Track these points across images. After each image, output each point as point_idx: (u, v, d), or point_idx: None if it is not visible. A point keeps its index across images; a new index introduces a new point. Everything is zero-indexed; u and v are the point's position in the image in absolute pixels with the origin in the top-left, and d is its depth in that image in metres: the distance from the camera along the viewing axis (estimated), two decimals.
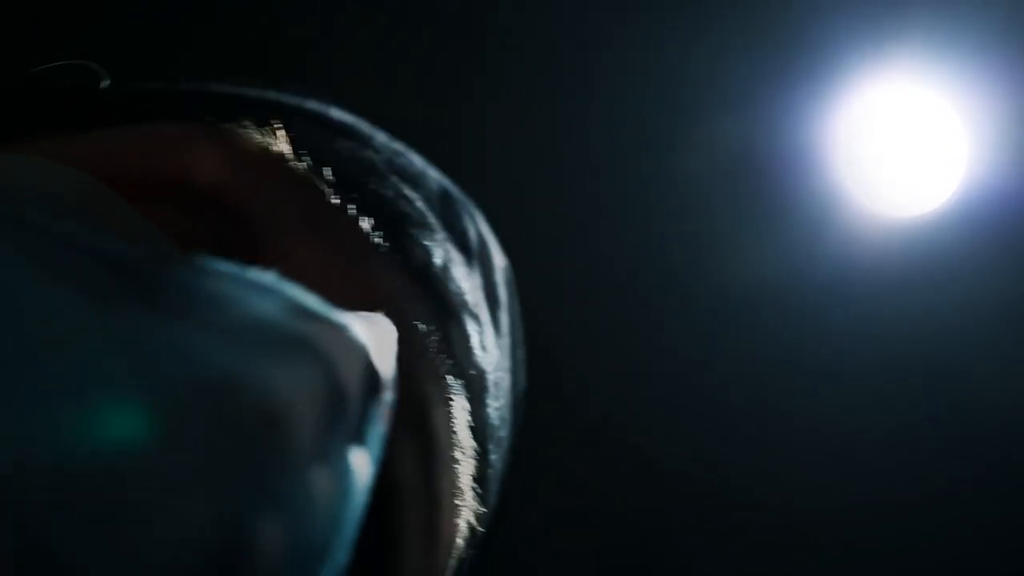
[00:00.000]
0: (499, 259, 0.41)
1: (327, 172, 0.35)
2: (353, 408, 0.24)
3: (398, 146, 0.39)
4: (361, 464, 0.24)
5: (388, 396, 0.25)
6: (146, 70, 0.44)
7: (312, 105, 0.39)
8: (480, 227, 0.40)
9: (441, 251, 0.36)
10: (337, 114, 0.39)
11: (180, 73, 0.42)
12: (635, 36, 1.47)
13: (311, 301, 0.24)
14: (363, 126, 0.39)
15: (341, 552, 0.23)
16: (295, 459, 0.22)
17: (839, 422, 1.64)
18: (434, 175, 0.39)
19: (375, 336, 0.25)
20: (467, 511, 0.35)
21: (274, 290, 0.24)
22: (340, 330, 0.24)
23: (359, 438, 0.24)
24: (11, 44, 1.38)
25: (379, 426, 0.25)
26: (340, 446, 0.23)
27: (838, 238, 1.54)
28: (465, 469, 0.35)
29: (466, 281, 0.37)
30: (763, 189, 1.52)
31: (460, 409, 0.34)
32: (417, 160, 0.39)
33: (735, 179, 1.51)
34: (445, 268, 0.36)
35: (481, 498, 0.36)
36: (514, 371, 0.40)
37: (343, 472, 0.23)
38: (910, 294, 1.57)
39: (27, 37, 1.41)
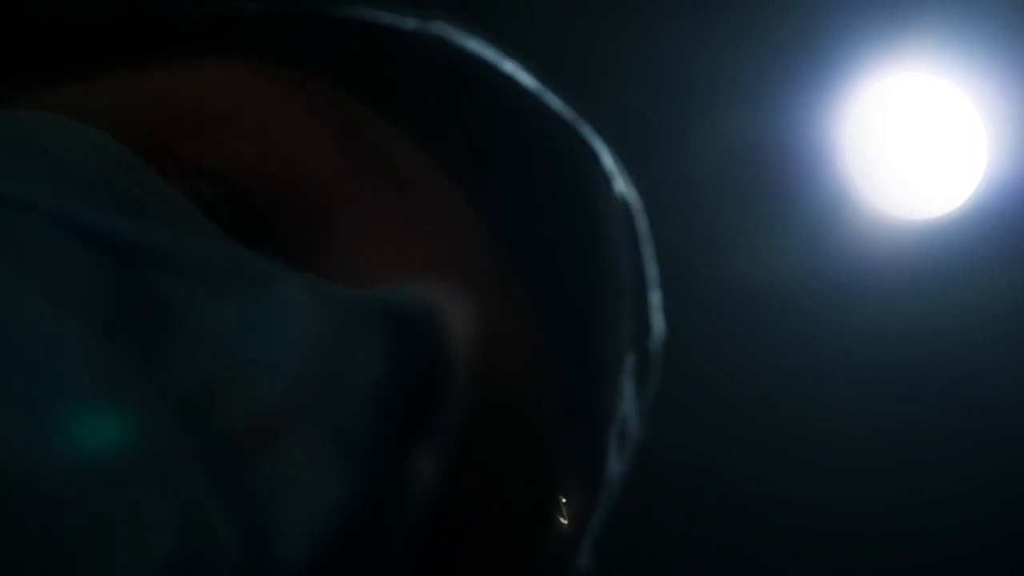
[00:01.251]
0: (621, 196, 0.37)
1: (415, 112, 0.32)
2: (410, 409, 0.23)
3: (510, 72, 0.36)
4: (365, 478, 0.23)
5: (412, 392, 0.24)
6: None
7: (408, 24, 0.35)
8: (600, 166, 0.36)
9: (548, 211, 0.33)
10: (441, 33, 0.35)
11: None
12: (642, 32, 1.45)
13: (326, 291, 0.23)
14: (470, 47, 0.36)
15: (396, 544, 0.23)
16: (280, 476, 0.22)
17: (849, 426, 1.63)
18: (548, 106, 0.36)
19: (422, 317, 0.24)
20: (562, 503, 0.32)
21: (301, 292, 0.23)
22: (355, 325, 0.23)
23: (367, 445, 0.23)
24: None
25: (398, 429, 0.23)
26: (331, 459, 0.22)
27: (850, 241, 1.52)
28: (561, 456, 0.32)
29: (574, 239, 0.34)
30: (773, 189, 1.50)
31: (562, 399, 0.32)
32: (530, 86, 0.36)
33: (745, 179, 1.50)
34: (550, 230, 0.33)
35: (584, 484, 0.34)
36: (643, 324, 0.37)
37: (325, 492, 0.22)
38: (924, 300, 1.54)
39: None
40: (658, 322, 0.38)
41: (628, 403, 0.36)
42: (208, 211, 0.28)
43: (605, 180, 0.36)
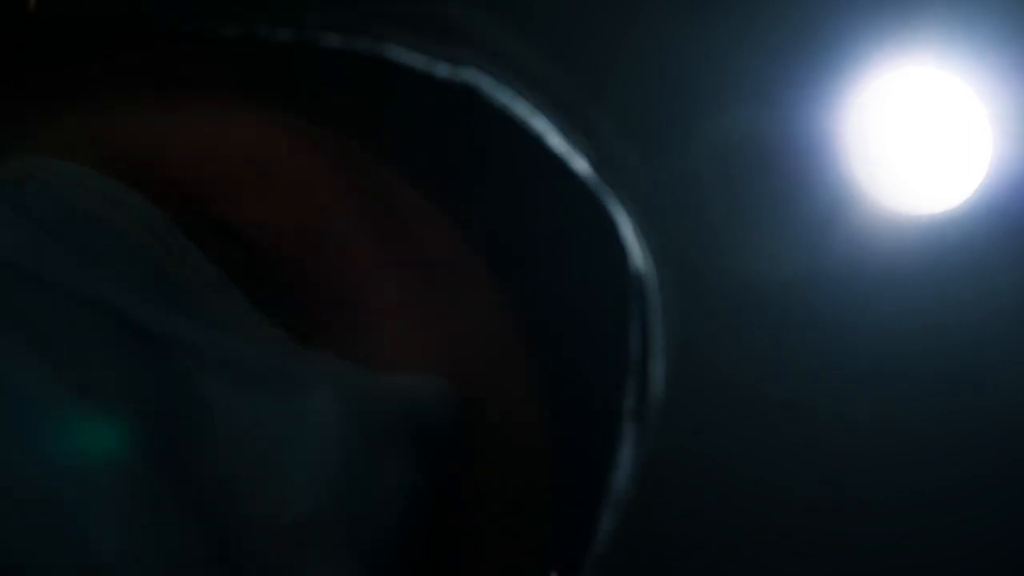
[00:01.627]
0: (640, 268, 0.38)
1: (438, 171, 0.31)
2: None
3: (537, 126, 0.35)
4: None
5: (428, 498, 0.25)
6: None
7: (441, 71, 0.34)
8: (619, 234, 0.37)
9: (568, 286, 0.33)
10: (469, 81, 0.34)
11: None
12: (644, 29, 1.46)
13: (346, 388, 0.24)
14: (497, 99, 0.34)
15: None
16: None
17: (853, 423, 1.64)
18: (571, 168, 0.35)
19: (436, 417, 0.25)
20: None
21: (304, 371, 0.24)
22: (377, 429, 0.24)
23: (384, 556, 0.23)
24: None
25: (415, 535, 0.24)
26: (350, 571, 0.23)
27: (854, 237, 1.53)
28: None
29: (595, 315, 0.34)
30: (777, 185, 1.51)
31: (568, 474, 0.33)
32: (556, 146, 0.35)
33: (749, 175, 1.51)
34: (551, 309, 0.33)
35: (571, 570, 0.35)
36: (647, 391, 0.37)
37: None
38: (928, 296, 1.55)
39: None
40: (658, 389, 0.38)
41: (624, 474, 0.37)
42: (233, 273, 0.27)
43: (623, 255, 0.37)
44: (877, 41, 1.43)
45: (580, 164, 0.36)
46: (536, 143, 0.35)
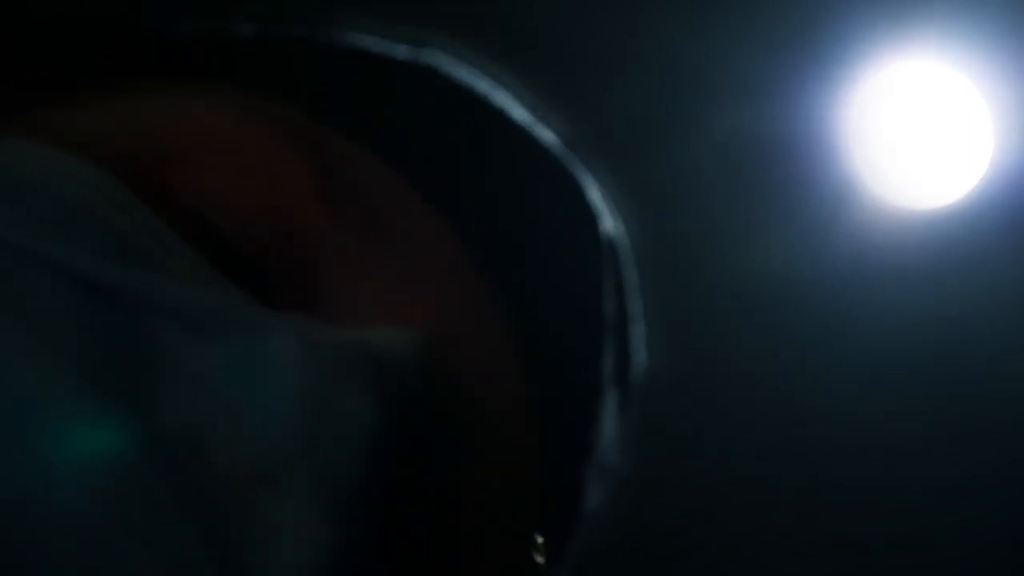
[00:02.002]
0: (610, 229, 0.38)
1: (407, 145, 0.32)
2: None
3: (500, 99, 0.36)
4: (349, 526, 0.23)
5: (391, 442, 0.24)
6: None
7: (399, 52, 0.35)
8: (586, 197, 0.37)
9: (535, 246, 0.34)
10: (431, 61, 0.35)
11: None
12: (646, 26, 1.46)
13: (310, 341, 0.24)
14: (461, 76, 0.35)
15: None
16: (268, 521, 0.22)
17: (852, 417, 1.64)
18: (537, 137, 0.36)
19: (401, 369, 0.25)
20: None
21: (269, 326, 0.24)
22: (339, 378, 0.24)
23: (349, 495, 0.23)
24: None
25: (380, 477, 0.24)
26: (316, 510, 0.23)
27: (855, 231, 1.52)
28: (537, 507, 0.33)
29: (564, 274, 0.35)
30: (778, 181, 1.50)
31: (544, 433, 0.33)
32: (520, 117, 0.36)
33: (747, 169, 1.50)
34: (523, 272, 0.33)
35: (556, 535, 0.34)
36: (625, 353, 0.38)
37: (312, 542, 0.22)
38: (929, 291, 1.55)
39: None
40: (640, 355, 0.39)
41: (608, 437, 0.36)
42: (197, 247, 0.27)
43: (593, 217, 0.37)
44: (878, 36, 1.42)
45: (545, 134, 0.36)
46: (499, 116, 0.35)
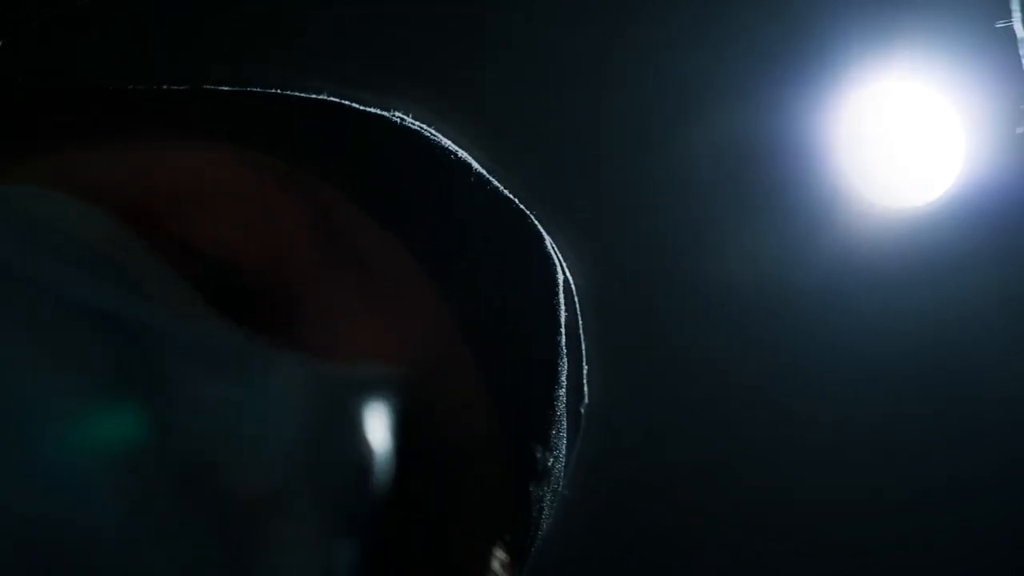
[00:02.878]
0: (561, 276, 0.39)
1: (380, 194, 0.33)
2: (340, 487, 0.24)
3: (461, 157, 0.37)
4: (346, 546, 0.24)
5: (382, 468, 0.25)
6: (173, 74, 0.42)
7: (370, 111, 0.37)
8: (542, 244, 0.39)
9: (495, 284, 0.35)
10: (398, 120, 0.37)
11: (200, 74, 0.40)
12: (636, 33, 1.48)
13: (304, 374, 0.24)
14: (425, 134, 0.37)
15: None
16: (269, 543, 0.22)
17: (838, 409, 1.65)
18: (496, 190, 0.38)
19: (385, 398, 0.25)
20: (501, 555, 0.34)
21: (268, 360, 0.24)
22: (332, 408, 0.24)
23: (346, 516, 0.24)
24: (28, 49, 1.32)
25: (372, 501, 0.25)
26: (317, 529, 0.23)
27: (840, 227, 1.56)
28: (503, 518, 0.34)
29: (521, 310, 0.36)
30: (766, 181, 1.53)
31: (508, 454, 0.34)
32: (479, 172, 0.37)
33: (736, 176, 1.52)
34: (498, 303, 0.35)
35: (527, 531, 0.36)
36: (576, 389, 0.40)
37: (315, 559, 0.23)
38: (909, 279, 1.59)
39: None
40: (585, 392, 0.40)
41: (560, 464, 0.37)
42: (195, 286, 0.28)
43: (551, 265, 0.38)
44: (864, 53, 1.48)
45: (503, 185, 0.38)
46: (465, 167, 0.37)
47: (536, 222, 0.38)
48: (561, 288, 0.38)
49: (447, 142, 0.37)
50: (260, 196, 0.31)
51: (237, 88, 0.37)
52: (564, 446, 0.38)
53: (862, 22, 1.47)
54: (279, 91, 0.37)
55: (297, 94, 0.37)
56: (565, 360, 0.38)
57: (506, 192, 0.38)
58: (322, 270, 0.31)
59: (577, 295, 0.41)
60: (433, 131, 0.37)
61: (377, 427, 0.25)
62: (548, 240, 0.39)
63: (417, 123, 0.37)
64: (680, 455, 1.66)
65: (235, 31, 1.49)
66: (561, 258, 0.39)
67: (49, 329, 0.22)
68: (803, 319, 1.61)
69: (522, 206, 0.38)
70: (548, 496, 0.37)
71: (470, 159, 0.37)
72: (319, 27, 1.51)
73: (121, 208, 0.29)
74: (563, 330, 0.38)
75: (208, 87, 0.37)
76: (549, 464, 0.36)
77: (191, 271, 0.29)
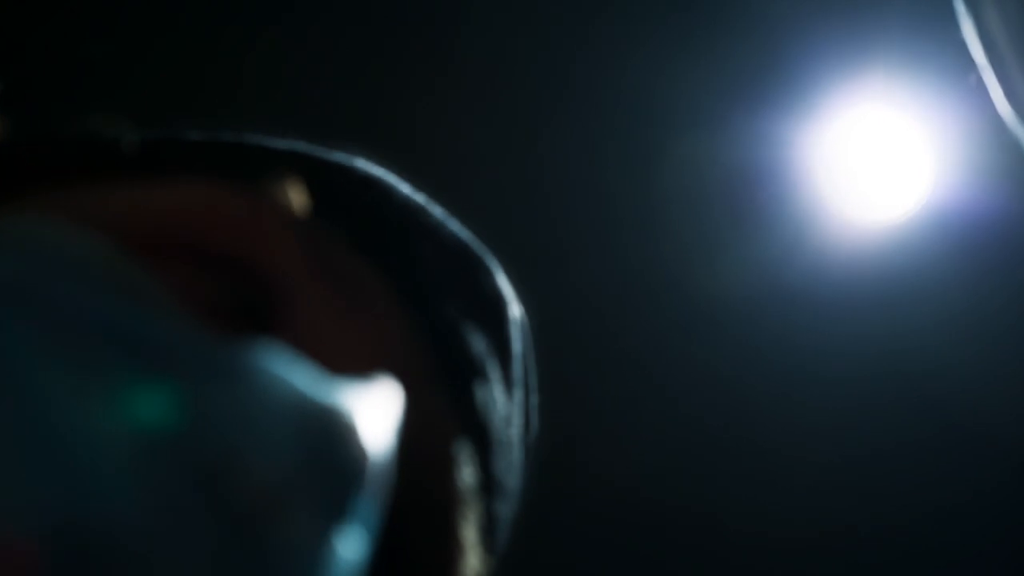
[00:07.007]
0: (514, 311, 0.41)
1: (348, 230, 0.35)
2: (339, 486, 0.25)
3: (419, 200, 0.40)
4: (351, 542, 0.25)
5: (379, 469, 0.26)
6: (163, 117, 0.44)
7: (335, 157, 0.39)
8: (495, 281, 0.41)
9: (453, 312, 0.37)
10: (361, 167, 0.39)
11: (196, 120, 0.41)
12: (618, 57, 1.52)
13: (304, 381, 0.25)
14: (385, 179, 0.40)
15: None
16: (277, 543, 0.23)
17: (815, 419, 1.67)
18: (452, 230, 0.40)
19: (376, 404, 0.26)
20: (475, 560, 0.36)
21: (271, 368, 0.25)
22: (331, 413, 0.25)
23: (348, 514, 0.25)
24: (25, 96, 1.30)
25: (371, 500, 0.26)
26: (323, 526, 0.24)
27: (817, 241, 1.60)
28: (472, 521, 0.35)
29: (476, 339, 0.38)
30: (746, 200, 1.57)
31: (468, 466, 0.35)
32: (436, 214, 0.40)
33: (718, 195, 1.55)
34: (456, 329, 0.37)
35: (489, 546, 0.37)
36: (526, 417, 0.41)
37: (324, 554, 0.24)
38: (882, 291, 1.64)
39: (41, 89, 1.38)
40: (535, 421, 0.42)
41: (516, 483, 0.39)
42: (198, 300, 0.30)
43: (505, 299, 0.41)
44: (838, 83, 1.53)
45: (457, 224, 0.40)
46: (425, 210, 0.39)
47: (487, 260, 0.41)
48: (511, 321, 0.41)
49: (405, 187, 0.40)
50: (251, 217, 0.33)
51: (209, 136, 0.39)
52: (518, 472, 0.40)
53: (837, 52, 1.53)
54: (251, 139, 0.39)
55: (270, 141, 0.39)
56: (517, 387, 0.40)
57: (461, 234, 0.40)
58: (311, 281, 0.33)
59: (546, 322, 0.44)
60: (394, 176, 0.40)
61: (376, 428, 0.26)
62: (500, 276, 0.41)
63: (379, 169, 0.40)
64: (644, 474, 1.64)
65: (202, 88, 1.51)
66: (513, 293, 0.42)
67: (70, 343, 0.23)
68: (784, 331, 1.63)
69: (475, 247, 0.41)
70: (509, 508, 0.39)
71: (426, 203, 0.40)
72: (292, 85, 1.52)
73: (116, 231, 0.30)
74: (513, 359, 0.40)
75: (179, 135, 0.39)
76: (511, 477, 0.39)
77: (192, 285, 0.31)
